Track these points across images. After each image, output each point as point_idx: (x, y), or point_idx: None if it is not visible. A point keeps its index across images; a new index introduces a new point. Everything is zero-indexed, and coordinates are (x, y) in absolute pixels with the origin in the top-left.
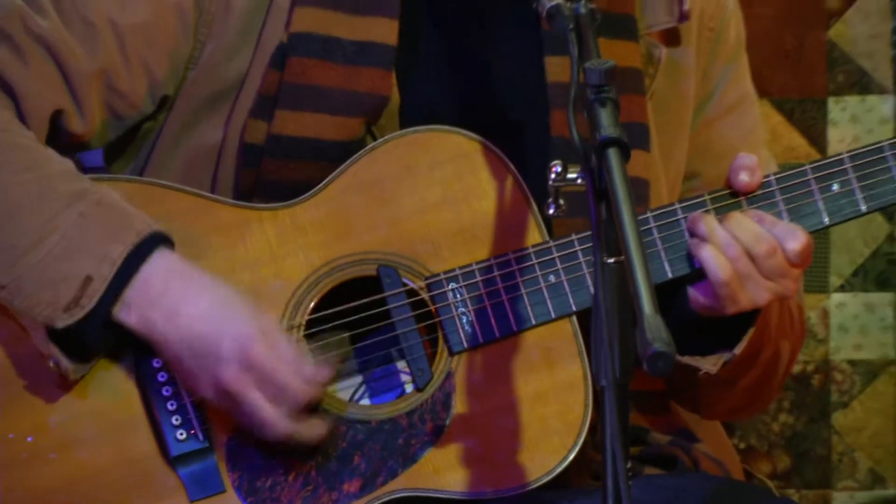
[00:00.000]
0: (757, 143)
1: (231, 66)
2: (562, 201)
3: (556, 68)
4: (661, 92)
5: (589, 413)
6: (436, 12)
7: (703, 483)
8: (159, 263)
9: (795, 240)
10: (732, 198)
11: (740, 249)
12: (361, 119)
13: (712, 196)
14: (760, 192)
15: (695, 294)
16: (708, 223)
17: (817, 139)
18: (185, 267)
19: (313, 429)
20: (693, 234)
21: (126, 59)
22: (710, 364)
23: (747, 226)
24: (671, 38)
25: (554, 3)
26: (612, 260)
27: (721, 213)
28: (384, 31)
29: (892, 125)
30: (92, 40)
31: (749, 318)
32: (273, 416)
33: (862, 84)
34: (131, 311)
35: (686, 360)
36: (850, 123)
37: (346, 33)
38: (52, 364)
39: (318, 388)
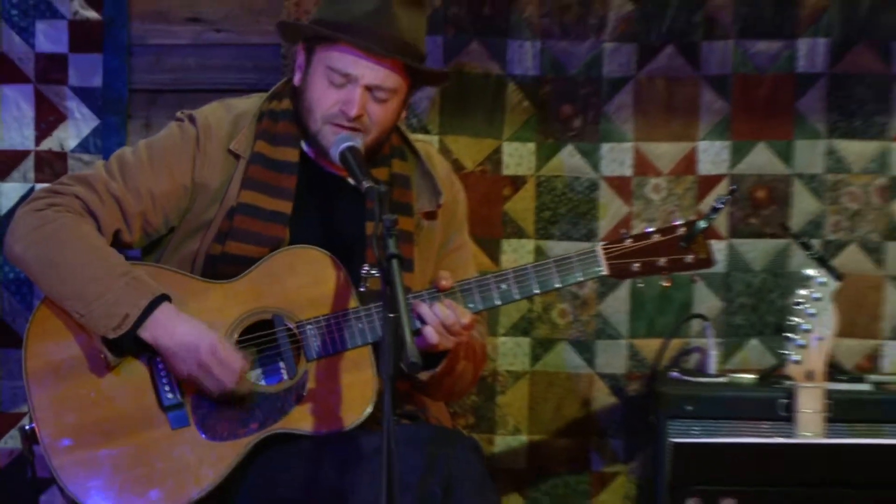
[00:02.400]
0: (469, 266)
1: (205, 216)
2: (367, 286)
3: (369, 227)
4: (422, 243)
5: (375, 392)
6: (312, 195)
7: (429, 427)
8: (162, 309)
9: (466, 317)
10: (437, 293)
11: (438, 322)
12: (269, 248)
13: (428, 291)
14: (459, 289)
15: (420, 340)
16: (423, 306)
17: (497, 260)
18: (176, 312)
19: (242, 387)
20: (418, 309)
21: (154, 208)
22: (425, 375)
23: (441, 308)
24: (430, 215)
25: (368, 187)
26: (391, 315)
27: (430, 300)
28: (285, 206)
29: (534, 257)
30: (137, 198)
31: (446, 353)
32: (218, 385)
33: (519, 233)
34: (147, 333)
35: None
36: (513, 254)
37: (266, 205)
38: (103, 356)
39: (241, 374)
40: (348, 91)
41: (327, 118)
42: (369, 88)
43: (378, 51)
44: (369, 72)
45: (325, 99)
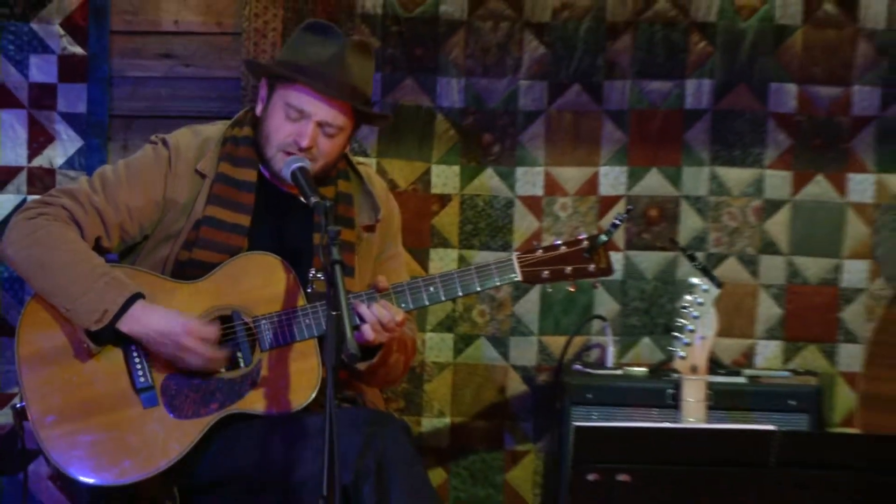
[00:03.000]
0: (402, 272)
1: (175, 226)
2: (313, 287)
3: (317, 237)
4: (362, 252)
5: (319, 379)
6: (267, 210)
7: (366, 410)
8: (137, 305)
9: (399, 315)
10: (375, 294)
11: (375, 319)
12: (230, 254)
13: (367, 292)
14: (393, 291)
15: (359, 335)
16: (362, 306)
17: (426, 267)
18: (149, 306)
19: (221, 352)
20: (358, 308)
21: (130, 219)
22: (363, 365)
23: (378, 308)
24: (369, 228)
25: (315, 202)
26: (334, 313)
27: (369, 300)
28: (244, 219)
29: (458, 265)
30: (116, 210)
31: (381, 346)
32: (200, 358)
33: (444, 244)
34: (124, 325)
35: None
36: (440, 261)
37: (227, 218)
38: (85, 345)
39: (216, 341)
40: (302, 125)
41: (281, 146)
42: (320, 124)
43: (331, 93)
44: (321, 110)
45: (281, 130)
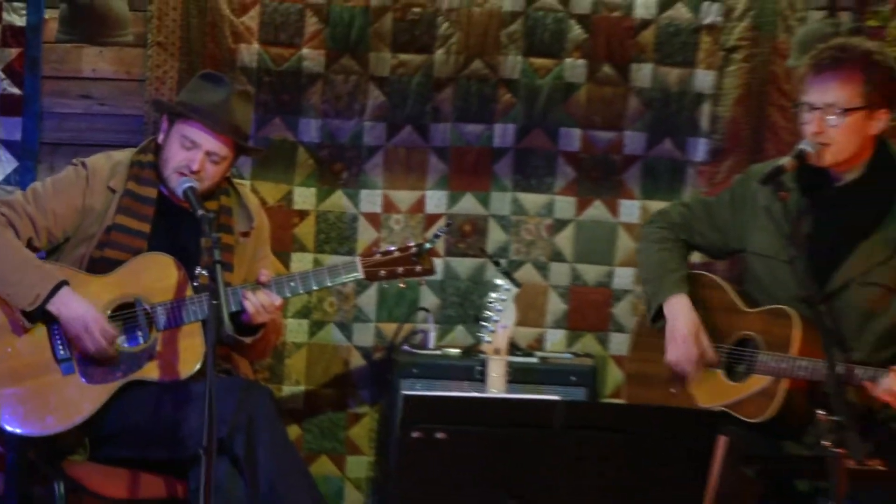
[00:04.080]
0: (270, 271)
1: (91, 230)
2: (199, 281)
3: (203, 242)
4: (239, 253)
5: (202, 354)
6: (164, 219)
7: (239, 379)
8: (63, 291)
9: (277, 301)
10: (258, 285)
11: (259, 304)
12: (133, 254)
13: (252, 284)
14: (274, 282)
15: (245, 316)
16: (249, 293)
17: (288, 267)
18: (72, 293)
19: (111, 350)
20: (246, 294)
21: (56, 224)
22: (249, 340)
23: (261, 295)
24: (245, 234)
25: (201, 214)
26: (214, 302)
27: (253, 290)
28: (145, 226)
29: (313, 266)
30: (44, 216)
31: (262, 325)
32: (96, 344)
33: (303, 249)
34: (52, 307)
35: (239, 338)
36: (299, 263)
37: (132, 225)
38: (21, 323)
39: (113, 339)
40: (193, 153)
41: (176, 169)
42: (208, 153)
43: (218, 130)
44: (209, 143)
45: (177, 156)
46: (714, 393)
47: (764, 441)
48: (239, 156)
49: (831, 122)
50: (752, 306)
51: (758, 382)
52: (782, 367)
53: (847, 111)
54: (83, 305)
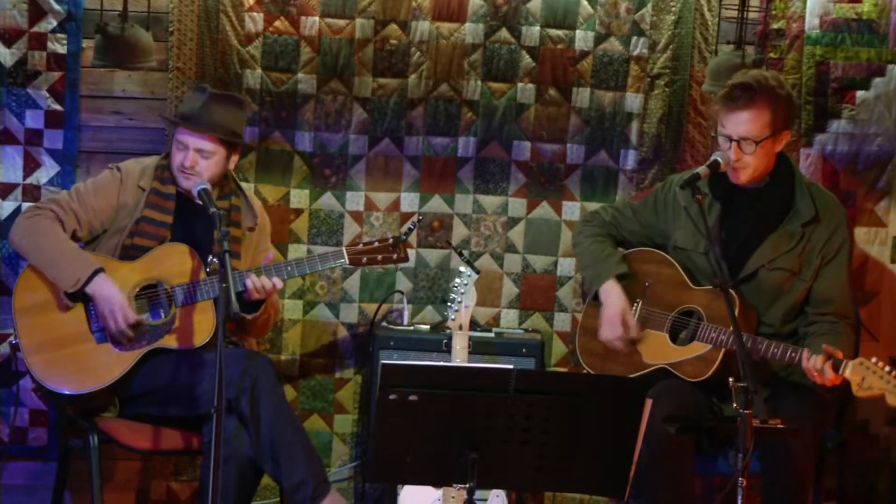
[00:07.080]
0: (269, 251)
1: (123, 223)
2: (211, 267)
3: (215, 234)
4: (245, 244)
5: (214, 326)
6: (183, 214)
7: (244, 350)
8: (99, 276)
9: (278, 283)
10: (260, 270)
11: (260, 284)
12: (158, 242)
13: (255, 269)
14: (265, 270)
15: (248, 294)
16: (253, 276)
17: (286, 256)
18: (107, 278)
19: (130, 331)
20: (249, 277)
21: (95, 218)
22: (251, 316)
23: (263, 278)
24: (251, 229)
25: (213, 211)
26: (224, 285)
27: (256, 274)
28: (168, 218)
29: (307, 254)
30: (85, 212)
31: (263, 302)
32: (116, 326)
33: (298, 241)
34: (90, 289)
35: (244, 315)
36: (295, 253)
37: (157, 217)
38: (64, 301)
39: (132, 323)
40: (185, 153)
41: (177, 168)
42: (198, 150)
43: (199, 129)
44: (195, 142)
45: (175, 158)
46: (658, 353)
47: (701, 397)
48: (233, 149)
49: (747, 151)
50: (697, 286)
51: (698, 349)
52: (721, 338)
53: (759, 141)
54: (113, 291)
